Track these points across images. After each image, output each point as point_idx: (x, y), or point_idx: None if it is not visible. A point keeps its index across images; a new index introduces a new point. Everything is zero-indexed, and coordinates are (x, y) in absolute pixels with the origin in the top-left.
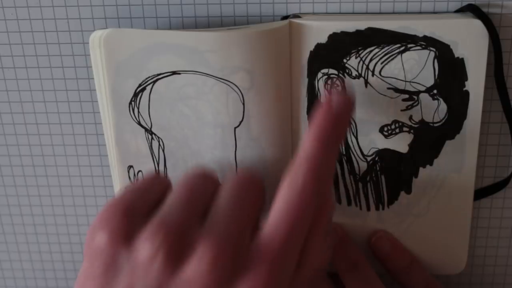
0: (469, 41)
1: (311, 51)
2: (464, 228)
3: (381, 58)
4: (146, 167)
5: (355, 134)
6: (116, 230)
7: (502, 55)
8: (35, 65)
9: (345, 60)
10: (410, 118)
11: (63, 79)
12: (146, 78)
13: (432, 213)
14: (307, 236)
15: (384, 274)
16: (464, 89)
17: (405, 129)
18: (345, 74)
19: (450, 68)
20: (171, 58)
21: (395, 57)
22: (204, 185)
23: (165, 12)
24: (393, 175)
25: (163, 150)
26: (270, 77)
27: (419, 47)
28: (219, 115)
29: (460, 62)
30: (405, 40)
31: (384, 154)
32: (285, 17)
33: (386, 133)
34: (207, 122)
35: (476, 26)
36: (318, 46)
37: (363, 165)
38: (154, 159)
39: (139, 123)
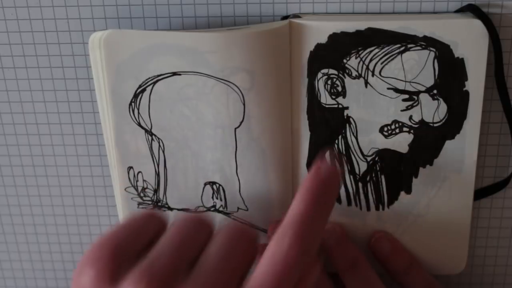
0: (469, 41)
1: (311, 51)
2: (464, 228)
3: (381, 58)
4: (146, 168)
5: (355, 134)
6: (102, 271)
7: (502, 55)
8: (35, 65)
9: (345, 60)
10: (410, 118)
11: (63, 79)
12: (146, 79)
13: (432, 213)
14: None
15: (384, 274)
16: (464, 89)
17: (405, 129)
18: (345, 74)
19: (450, 68)
20: (171, 58)
21: (395, 57)
22: (199, 231)
23: (165, 12)
24: (393, 175)
25: (163, 151)
26: (270, 77)
27: (419, 47)
28: (220, 116)
29: (460, 62)
30: (405, 40)
31: (384, 154)
32: (285, 17)
33: (386, 133)
34: (208, 122)
35: (476, 26)
36: (318, 46)
37: (363, 165)
38: (154, 160)
39: (139, 124)
